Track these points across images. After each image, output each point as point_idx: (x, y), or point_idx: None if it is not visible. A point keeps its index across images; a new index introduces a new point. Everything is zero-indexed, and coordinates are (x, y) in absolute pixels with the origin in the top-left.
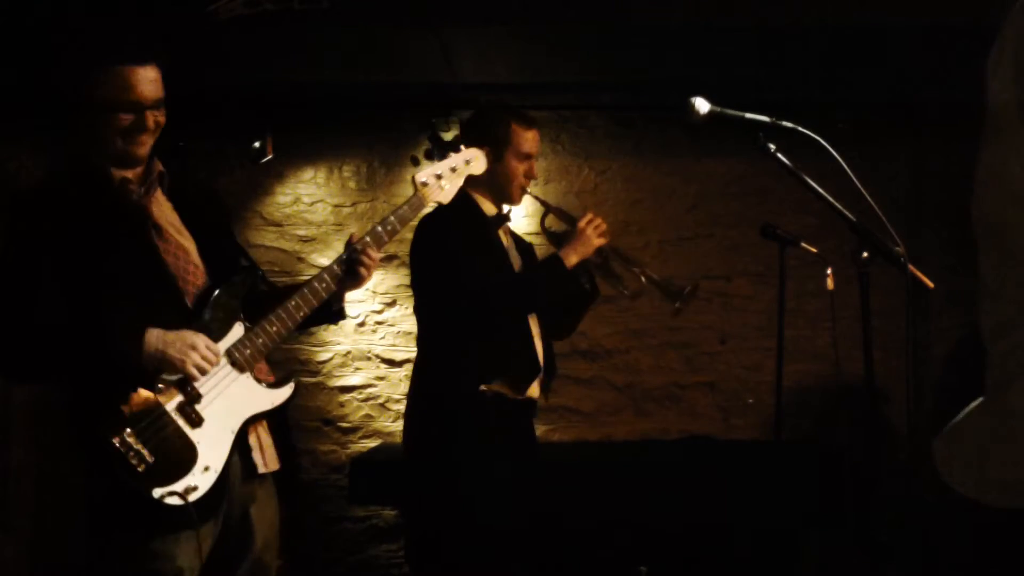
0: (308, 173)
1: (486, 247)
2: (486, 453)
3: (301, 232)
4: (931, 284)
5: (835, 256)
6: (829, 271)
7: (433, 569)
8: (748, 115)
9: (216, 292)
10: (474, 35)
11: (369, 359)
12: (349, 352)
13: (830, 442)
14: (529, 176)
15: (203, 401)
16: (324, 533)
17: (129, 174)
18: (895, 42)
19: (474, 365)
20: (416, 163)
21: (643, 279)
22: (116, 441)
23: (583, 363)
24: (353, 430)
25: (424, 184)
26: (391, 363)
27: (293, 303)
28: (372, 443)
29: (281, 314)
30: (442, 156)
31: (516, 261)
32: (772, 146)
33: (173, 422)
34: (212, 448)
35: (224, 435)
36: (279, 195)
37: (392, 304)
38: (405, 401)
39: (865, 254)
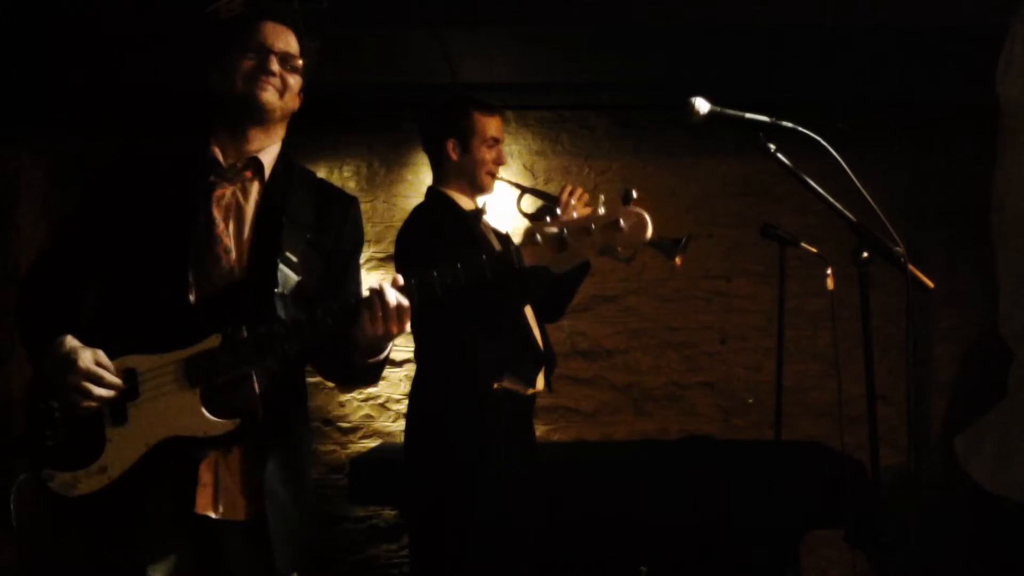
0: None
1: (471, 243)
2: (490, 453)
3: None
4: (931, 284)
5: (835, 256)
6: (829, 271)
7: (436, 569)
8: (748, 115)
9: (219, 301)
10: (474, 35)
11: None
12: None
13: (830, 442)
14: (499, 162)
15: (137, 400)
16: (324, 533)
17: (231, 157)
18: (895, 42)
19: (481, 365)
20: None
21: None
22: (41, 407)
23: (583, 363)
24: (353, 430)
25: (531, 237)
26: (391, 363)
27: (282, 331)
28: (372, 443)
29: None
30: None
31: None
32: (772, 146)
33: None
34: (119, 452)
35: (137, 444)
36: None
37: None
38: (406, 401)
39: (865, 254)
